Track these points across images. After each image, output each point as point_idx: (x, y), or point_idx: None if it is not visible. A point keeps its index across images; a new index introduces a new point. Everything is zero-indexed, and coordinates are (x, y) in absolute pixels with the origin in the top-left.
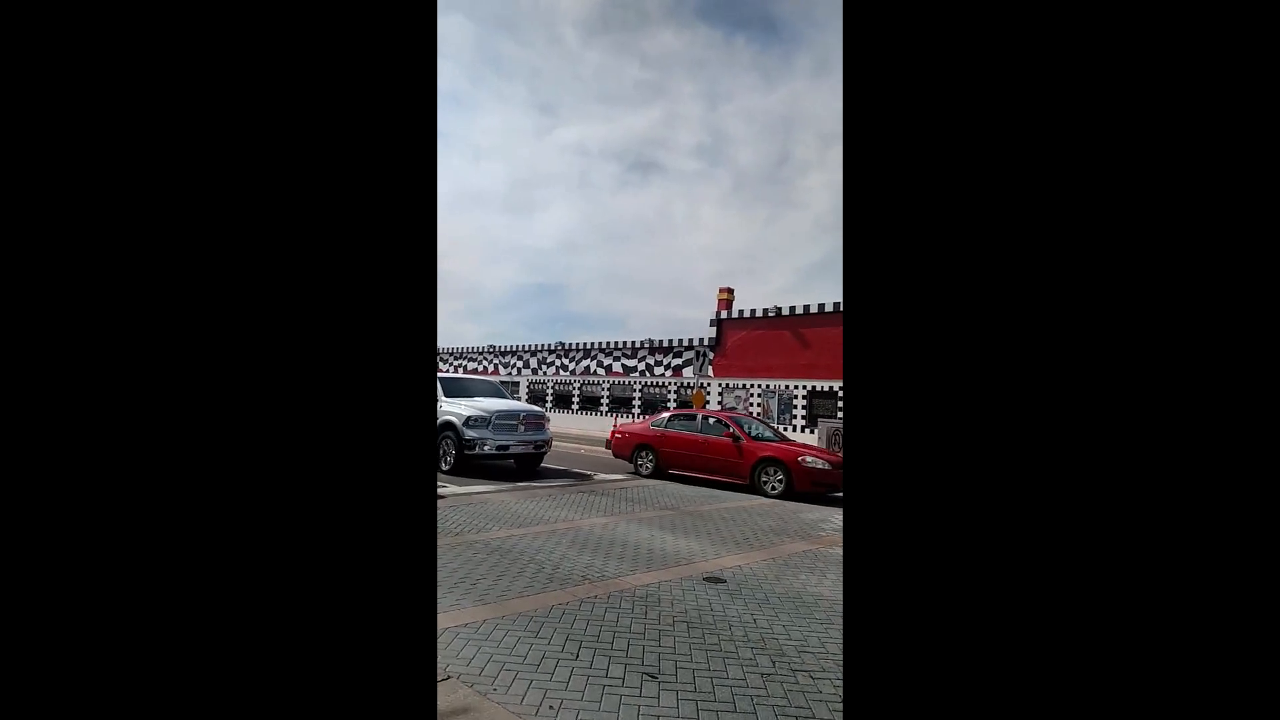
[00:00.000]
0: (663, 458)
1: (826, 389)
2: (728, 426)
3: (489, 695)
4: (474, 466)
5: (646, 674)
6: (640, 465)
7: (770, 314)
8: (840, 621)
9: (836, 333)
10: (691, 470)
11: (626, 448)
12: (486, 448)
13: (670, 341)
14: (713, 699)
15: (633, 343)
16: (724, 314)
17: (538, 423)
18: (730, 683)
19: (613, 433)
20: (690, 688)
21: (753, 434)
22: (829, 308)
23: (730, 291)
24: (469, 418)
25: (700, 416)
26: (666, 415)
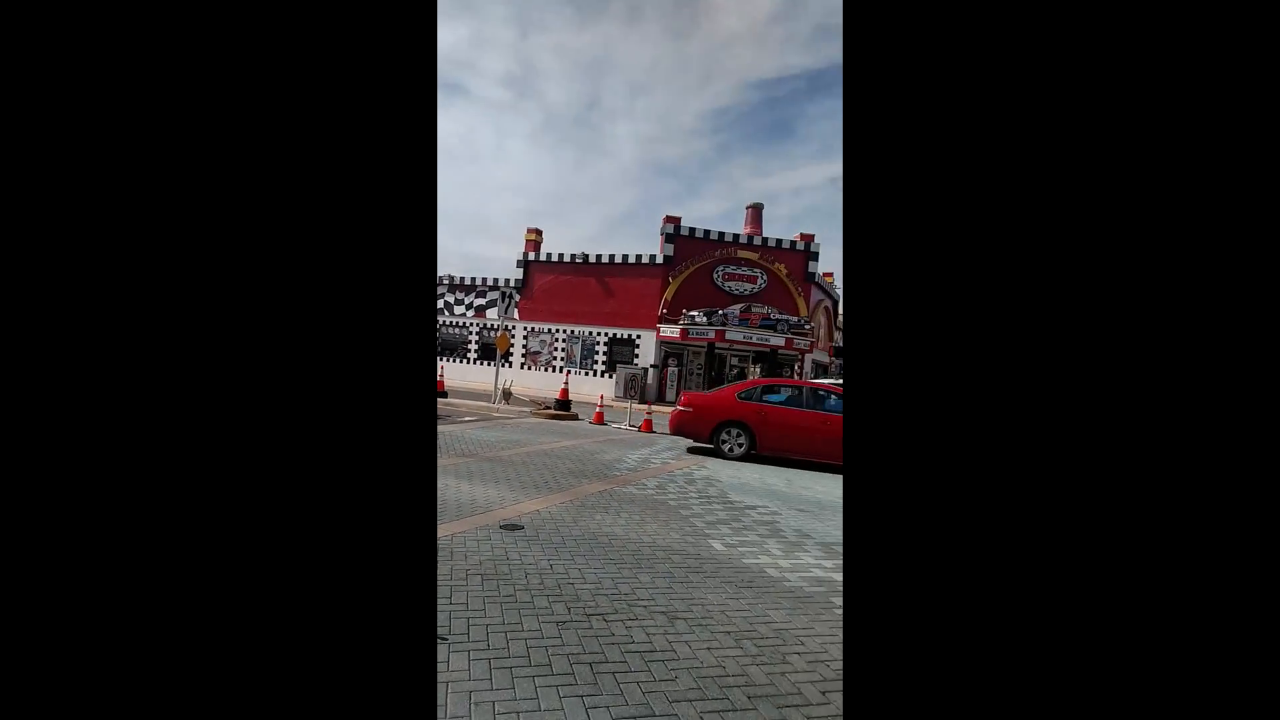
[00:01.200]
0: (763, 439)
1: (625, 337)
2: None
3: None
4: None
5: (437, 637)
6: (727, 446)
7: (578, 259)
8: (630, 559)
9: (638, 283)
10: (808, 455)
11: (704, 425)
12: None
13: (473, 280)
14: (506, 655)
15: None
16: (532, 256)
17: None
18: (525, 635)
19: (680, 406)
20: (483, 645)
21: None
22: (632, 259)
23: (539, 233)
24: None
25: (806, 390)
26: (757, 386)
